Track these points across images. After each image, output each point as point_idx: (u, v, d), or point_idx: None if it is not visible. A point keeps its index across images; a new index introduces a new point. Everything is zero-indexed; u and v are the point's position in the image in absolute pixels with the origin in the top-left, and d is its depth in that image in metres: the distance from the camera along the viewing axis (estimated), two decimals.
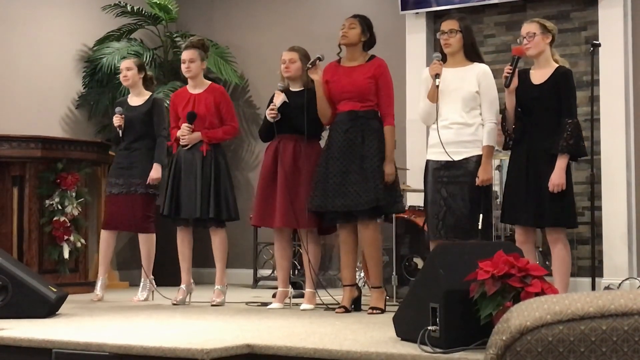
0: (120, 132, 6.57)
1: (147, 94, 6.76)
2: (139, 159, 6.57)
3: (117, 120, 6.57)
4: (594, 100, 6.47)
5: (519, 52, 5.15)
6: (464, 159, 5.17)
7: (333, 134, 5.62)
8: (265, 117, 5.94)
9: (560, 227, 5.10)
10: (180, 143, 6.18)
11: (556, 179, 4.96)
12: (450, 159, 5.16)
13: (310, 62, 5.63)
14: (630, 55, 7.02)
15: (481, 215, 5.08)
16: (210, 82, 6.46)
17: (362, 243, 5.62)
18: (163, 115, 6.72)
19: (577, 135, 5.00)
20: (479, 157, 5.17)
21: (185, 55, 6.27)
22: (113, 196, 6.61)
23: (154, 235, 6.67)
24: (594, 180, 6.40)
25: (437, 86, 5.18)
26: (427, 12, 7.78)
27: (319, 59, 5.65)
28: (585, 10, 7.26)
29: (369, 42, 5.70)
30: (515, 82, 5.10)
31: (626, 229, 6.92)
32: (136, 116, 6.61)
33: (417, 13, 7.85)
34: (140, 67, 6.78)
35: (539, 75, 5.15)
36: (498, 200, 6.49)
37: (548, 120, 5.06)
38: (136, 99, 6.73)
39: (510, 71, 5.09)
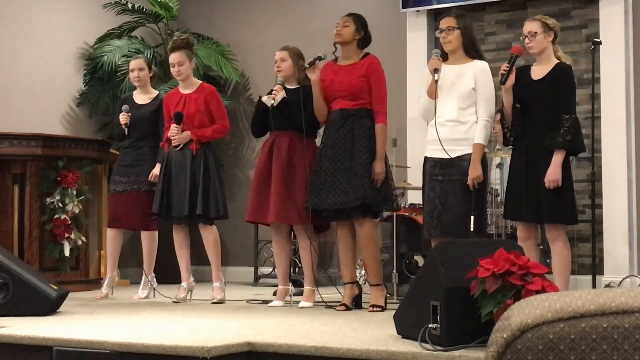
0: (126, 130, 6.57)
1: (153, 93, 6.78)
2: (145, 157, 6.58)
3: (124, 118, 6.55)
4: (594, 98, 6.47)
5: (518, 50, 5.16)
6: (457, 157, 5.16)
7: (327, 133, 5.64)
8: (256, 108, 5.93)
9: (560, 223, 5.09)
10: (172, 143, 6.18)
11: (552, 175, 4.96)
12: (444, 157, 5.15)
13: (308, 62, 5.63)
14: (631, 53, 7.02)
15: (472, 217, 5.06)
16: (200, 81, 6.46)
17: (359, 241, 5.63)
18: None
19: (574, 131, 4.99)
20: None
21: (173, 59, 6.24)
22: (117, 194, 6.62)
23: (156, 232, 6.69)
24: (595, 178, 6.40)
25: (436, 81, 5.17)
26: (428, 10, 7.78)
27: (320, 58, 5.64)
28: (586, 8, 7.26)
29: (364, 40, 5.69)
30: (511, 80, 5.10)
31: (627, 226, 6.92)
32: (143, 115, 6.61)
33: (418, 11, 7.85)
34: (149, 66, 6.82)
35: (539, 71, 5.15)
36: (499, 198, 6.49)
37: (547, 116, 5.05)
38: (143, 97, 6.73)
39: (507, 69, 5.09)
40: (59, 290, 5.24)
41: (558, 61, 5.15)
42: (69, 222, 7.13)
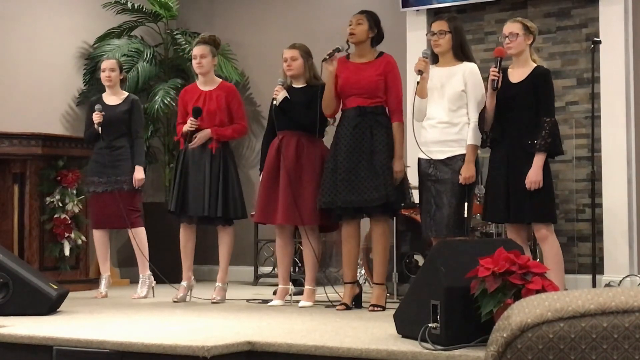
0: (99, 129, 6.55)
1: (124, 94, 6.79)
2: (123, 157, 6.58)
3: (97, 117, 6.54)
4: (594, 97, 6.47)
5: (500, 53, 5.20)
6: (449, 158, 5.24)
7: (341, 130, 5.61)
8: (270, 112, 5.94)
9: (542, 222, 5.12)
10: (190, 143, 6.12)
11: (533, 177, 5.02)
12: (437, 158, 5.24)
13: (328, 54, 5.62)
14: (630, 53, 7.01)
15: (466, 204, 5.14)
16: (221, 79, 6.45)
17: (373, 239, 5.63)
18: (142, 117, 6.82)
19: (554, 134, 5.07)
20: (465, 155, 5.21)
21: (197, 51, 6.24)
22: (97, 195, 6.61)
23: (143, 228, 6.67)
24: (595, 178, 6.40)
25: (418, 82, 5.25)
26: (428, 9, 7.78)
27: (338, 49, 5.65)
28: (586, 7, 7.25)
29: (377, 37, 5.71)
30: (500, 83, 5.15)
31: (627, 226, 6.92)
32: (116, 115, 6.61)
33: (418, 10, 7.84)
34: (121, 68, 6.83)
35: (517, 74, 5.20)
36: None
37: (526, 119, 5.11)
38: (114, 98, 6.73)
39: (497, 74, 5.11)
40: (59, 290, 5.24)
41: (536, 64, 5.19)
42: (69, 222, 7.13)
